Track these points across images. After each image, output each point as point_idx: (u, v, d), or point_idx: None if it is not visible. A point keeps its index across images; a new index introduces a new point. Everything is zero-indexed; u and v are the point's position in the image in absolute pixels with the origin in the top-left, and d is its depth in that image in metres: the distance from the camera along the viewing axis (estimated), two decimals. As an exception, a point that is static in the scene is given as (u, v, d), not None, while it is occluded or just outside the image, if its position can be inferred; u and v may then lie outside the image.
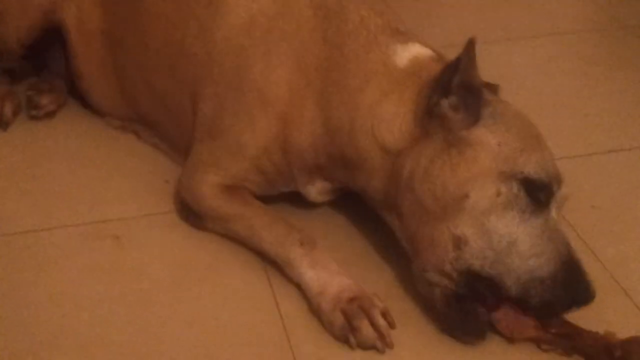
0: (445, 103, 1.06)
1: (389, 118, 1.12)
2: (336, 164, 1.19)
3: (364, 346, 1.07)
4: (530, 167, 1.04)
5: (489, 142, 1.05)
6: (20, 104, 1.57)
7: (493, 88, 1.22)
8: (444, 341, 1.10)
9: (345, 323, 1.07)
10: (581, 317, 1.08)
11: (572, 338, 1.07)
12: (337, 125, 1.16)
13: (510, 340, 1.09)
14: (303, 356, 1.08)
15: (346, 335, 1.08)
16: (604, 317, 1.13)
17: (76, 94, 1.58)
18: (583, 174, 1.44)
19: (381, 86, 1.14)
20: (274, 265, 1.20)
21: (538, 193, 1.04)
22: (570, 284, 1.04)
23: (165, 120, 1.40)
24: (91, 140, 1.50)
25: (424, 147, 1.08)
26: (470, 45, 1.03)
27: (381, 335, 1.07)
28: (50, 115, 1.56)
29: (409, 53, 1.16)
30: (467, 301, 1.07)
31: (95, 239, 1.26)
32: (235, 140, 1.23)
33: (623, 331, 1.08)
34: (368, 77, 1.15)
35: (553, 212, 1.07)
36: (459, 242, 1.05)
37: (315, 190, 1.27)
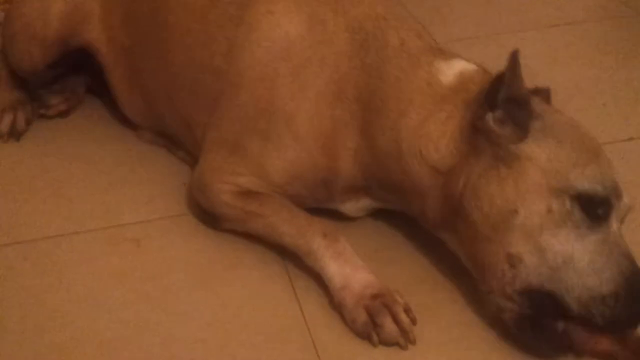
0: (490, 117, 1.03)
1: (436, 137, 1.09)
2: (388, 189, 1.17)
3: (387, 343, 1.07)
4: (584, 182, 1.00)
5: (538, 156, 1.02)
6: (34, 111, 1.55)
7: (544, 92, 1.19)
8: (466, 337, 1.10)
9: (368, 320, 1.07)
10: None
11: None
12: (383, 151, 1.14)
13: (582, 353, 1.03)
14: (327, 353, 1.07)
15: (369, 332, 1.07)
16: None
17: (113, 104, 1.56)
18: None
19: (426, 106, 1.11)
20: (295, 261, 1.19)
21: (595, 208, 1.00)
22: (635, 300, 0.99)
23: (188, 136, 1.38)
24: (108, 145, 1.50)
25: (473, 163, 1.06)
26: (513, 57, 1.01)
27: (404, 331, 1.07)
28: (62, 115, 1.56)
29: (454, 69, 1.13)
30: (540, 319, 1.03)
31: (114, 243, 1.27)
32: (262, 168, 1.20)
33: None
34: (411, 99, 1.12)
35: (614, 225, 1.02)
36: (513, 261, 1.01)
37: (357, 207, 1.25)
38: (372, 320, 1.07)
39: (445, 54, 1.17)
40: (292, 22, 1.20)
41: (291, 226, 1.18)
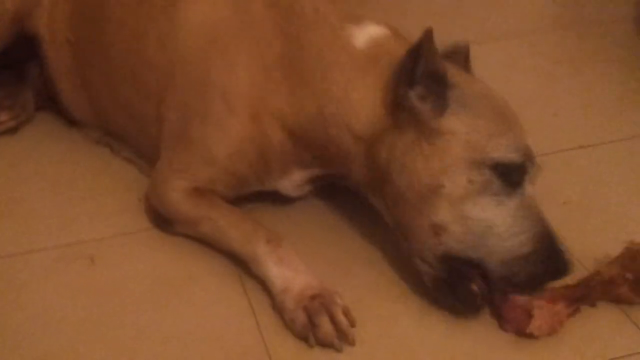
0: (412, 94, 1.08)
1: (355, 105, 1.14)
2: (316, 153, 1.21)
3: (323, 343, 1.08)
4: (501, 151, 1.07)
5: (458, 130, 1.08)
6: None
7: (462, 50, 1.24)
8: (412, 339, 1.11)
9: (307, 321, 1.08)
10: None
11: (592, 288, 1.13)
12: (307, 118, 1.18)
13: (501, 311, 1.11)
14: (281, 364, 1.08)
15: (306, 333, 1.08)
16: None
17: (54, 108, 1.57)
18: (553, 171, 1.44)
19: (344, 73, 1.16)
20: (249, 273, 1.20)
21: (511, 175, 1.07)
22: (550, 256, 1.08)
23: (132, 130, 1.41)
24: (61, 162, 1.49)
25: (397, 138, 1.11)
26: (428, 33, 1.05)
27: (341, 332, 1.08)
28: (11, 131, 1.55)
29: (364, 34, 1.18)
30: (456, 282, 1.09)
31: (70, 260, 1.26)
32: (206, 149, 1.24)
33: (601, 323, 1.13)
34: (330, 65, 1.17)
35: (527, 188, 1.10)
36: (437, 230, 1.08)
37: (292, 183, 1.28)
38: (310, 320, 1.08)
39: (357, 18, 1.21)
40: (216, 7, 1.27)
41: (238, 231, 1.20)
